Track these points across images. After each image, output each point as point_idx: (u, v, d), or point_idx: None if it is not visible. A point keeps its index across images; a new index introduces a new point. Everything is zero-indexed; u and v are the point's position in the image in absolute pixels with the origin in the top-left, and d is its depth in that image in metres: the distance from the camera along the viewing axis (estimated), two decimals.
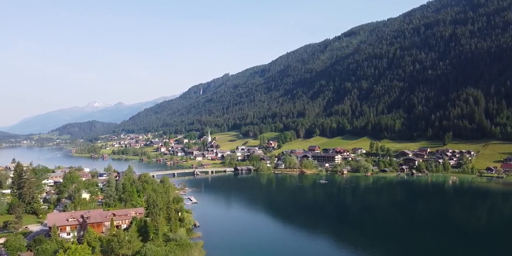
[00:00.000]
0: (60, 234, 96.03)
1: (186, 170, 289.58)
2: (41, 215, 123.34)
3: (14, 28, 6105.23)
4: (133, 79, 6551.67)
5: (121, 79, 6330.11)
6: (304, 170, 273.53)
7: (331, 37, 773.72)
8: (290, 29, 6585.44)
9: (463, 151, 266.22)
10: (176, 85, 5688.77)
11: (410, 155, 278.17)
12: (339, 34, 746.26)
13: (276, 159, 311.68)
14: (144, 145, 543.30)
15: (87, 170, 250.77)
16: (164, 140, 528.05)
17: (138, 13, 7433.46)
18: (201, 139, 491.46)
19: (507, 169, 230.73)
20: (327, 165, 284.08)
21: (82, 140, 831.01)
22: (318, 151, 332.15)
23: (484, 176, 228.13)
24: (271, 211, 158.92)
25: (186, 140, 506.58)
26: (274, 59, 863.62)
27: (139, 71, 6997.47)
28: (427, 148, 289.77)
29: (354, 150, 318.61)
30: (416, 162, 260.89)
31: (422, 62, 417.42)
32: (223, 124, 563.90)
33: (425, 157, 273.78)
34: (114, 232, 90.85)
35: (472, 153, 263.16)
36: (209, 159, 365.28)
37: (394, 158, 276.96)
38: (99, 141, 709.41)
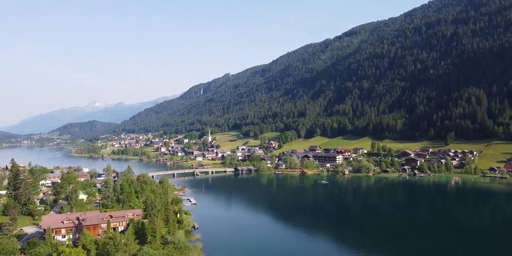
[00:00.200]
0: (55, 237, 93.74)
1: (186, 171, 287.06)
2: (37, 217, 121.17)
3: (14, 28, 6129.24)
4: (133, 79, 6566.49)
5: (121, 79, 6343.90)
6: (305, 170, 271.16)
7: (332, 36, 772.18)
8: (290, 29, 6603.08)
9: (466, 151, 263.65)
10: (176, 85, 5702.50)
11: (412, 155, 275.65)
12: (339, 33, 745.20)
13: (277, 159, 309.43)
14: (144, 145, 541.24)
15: (86, 170, 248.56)
16: (164, 140, 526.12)
17: (138, 13, 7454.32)
18: (202, 139, 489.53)
19: (510, 170, 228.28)
20: (328, 165, 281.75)
21: (83, 140, 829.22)
22: (319, 151, 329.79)
23: (487, 176, 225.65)
24: (272, 212, 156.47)
25: (186, 140, 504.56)
26: (274, 59, 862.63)
27: (139, 71, 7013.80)
28: (429, 148, 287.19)
29: (355, 150, 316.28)
30: (418, 162, 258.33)
31: (423, 61, 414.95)
32: (223, 124, 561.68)
33: (427, 157, 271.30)
34: (110, 235, 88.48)
35: (474, 153, 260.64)
36: (209, 159, 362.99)
37: (396, 158, 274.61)
38: (99, 141, 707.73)
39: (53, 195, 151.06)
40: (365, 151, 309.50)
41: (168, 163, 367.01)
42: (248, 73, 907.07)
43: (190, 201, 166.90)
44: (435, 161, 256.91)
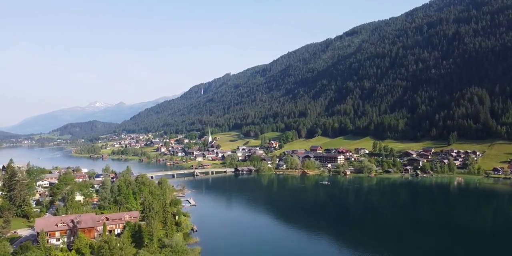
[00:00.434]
0: (49, 240, 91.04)
1: (186, 171, 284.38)
2: (32, 219, 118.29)
3: (14, 28, 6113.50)
4: (133, 79, 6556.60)
5: (121, 79, 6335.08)
6: (306, 170, 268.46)
7: (333, 36, 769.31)
8: (290, 29, 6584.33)
9: (468, 151, 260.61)
10: (177, 85, 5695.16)
11: (414, 156, 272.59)
12: (340, 33, 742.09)
13: (278, 159, 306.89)
14: (144, 145, 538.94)
15: (85, 170, 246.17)
16: (165, 140, 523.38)
17: (138, 13, 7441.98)
18: (202, 139, 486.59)
19: None
20: (329, 165, 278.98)
21: (83, 140, 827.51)
22: (320, 151, 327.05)
23: (491, 177, 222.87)
24: (272, 213, 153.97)
25: (186, 140, 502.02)
26: (275, 59, 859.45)
27: (139, 71, 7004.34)
28: (431, 148, 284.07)
29: (356, 150, 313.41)
30: (421, 162, 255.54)
31: (425, 61, 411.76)
32: (224, 124, 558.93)
33: (429, 157, 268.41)
34: (105, 238, 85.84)
35: (477, 153, 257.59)
36: (209, 160, 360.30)
37: (398, 159, 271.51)
38: (99, 141, 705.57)
39: (50, 196, 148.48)
40: (367, 151, 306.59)
41: (168, 163, 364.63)
42: (248, 73, 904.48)
43: (190, 202, 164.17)
44: (437, 161, 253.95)
